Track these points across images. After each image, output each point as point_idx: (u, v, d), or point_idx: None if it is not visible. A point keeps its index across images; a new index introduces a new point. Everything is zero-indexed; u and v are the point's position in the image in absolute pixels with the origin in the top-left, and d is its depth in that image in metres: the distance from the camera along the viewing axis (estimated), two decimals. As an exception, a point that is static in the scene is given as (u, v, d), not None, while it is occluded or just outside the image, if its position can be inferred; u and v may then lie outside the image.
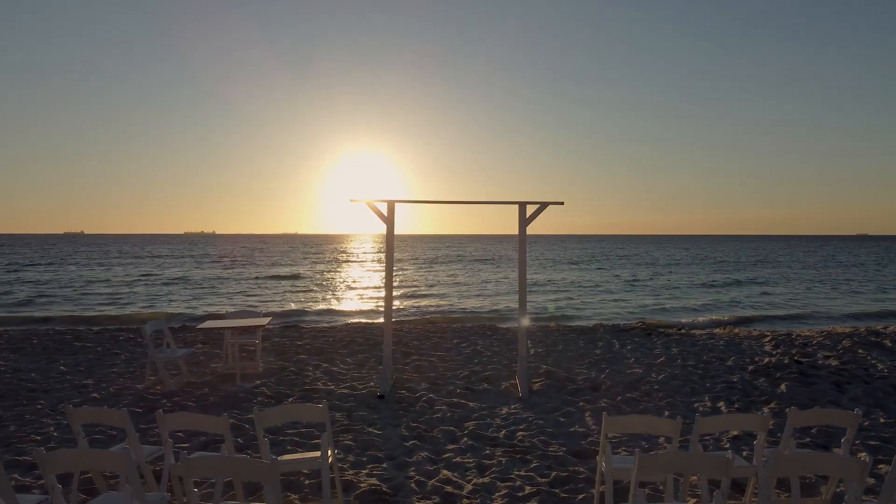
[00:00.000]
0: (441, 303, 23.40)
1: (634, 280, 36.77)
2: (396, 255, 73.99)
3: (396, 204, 8.57)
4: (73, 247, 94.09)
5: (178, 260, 57.45)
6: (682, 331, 14.24)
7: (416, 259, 65.09)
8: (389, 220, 8.51)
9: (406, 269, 46.76)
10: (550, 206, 8.54)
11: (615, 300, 25.02)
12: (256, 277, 36.86)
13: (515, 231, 8.68)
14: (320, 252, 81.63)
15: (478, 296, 26.16)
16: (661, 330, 13.91)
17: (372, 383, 8.61)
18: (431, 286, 31.36)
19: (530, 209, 8.53)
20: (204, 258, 61.26)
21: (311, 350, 10.90)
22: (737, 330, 16.37)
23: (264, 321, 8.83)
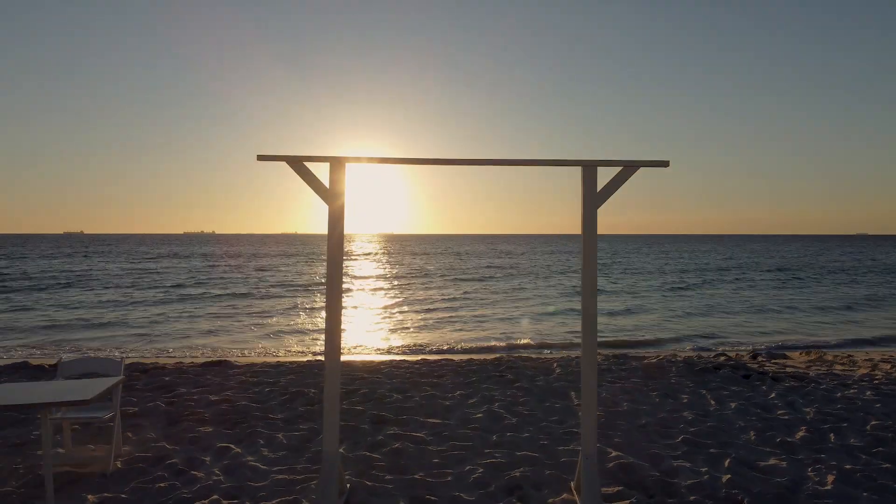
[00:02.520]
0: (441, 326, 18.98)
1: (679, 287, 32.62)
2: (388, 260, 68.77)
3: (349, 164, 4.71)
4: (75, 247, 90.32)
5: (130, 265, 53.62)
6: (791, 369, 10.33)
7: (409, 264, 60.87)
8: (334, 194, 4.65)
9: (394, 279, 42.69)
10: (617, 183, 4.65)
11: (668, 316, 20.94)
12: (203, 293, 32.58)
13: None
14: (308, 254, 77.53)
15: (491, 316, 21.51)
16: (765, 371, 9.86)
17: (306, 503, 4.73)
18: (426, 301, 26.72)
19: (605, 175, 4.65)
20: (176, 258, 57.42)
21: (225, 414, 6.99)
22: (829, 356, 12.59)
23: (105, 384, 4.93)
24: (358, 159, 4.64)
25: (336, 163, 4.64)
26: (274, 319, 19.47)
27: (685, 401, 7.71)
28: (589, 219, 4.61)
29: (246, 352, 13.74)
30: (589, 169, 4.61)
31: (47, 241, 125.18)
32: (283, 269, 47.66)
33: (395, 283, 35.92)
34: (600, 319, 20.11)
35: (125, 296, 26.64)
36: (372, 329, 18.20)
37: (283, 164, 4.66)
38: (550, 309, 22.58)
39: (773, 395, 8.01)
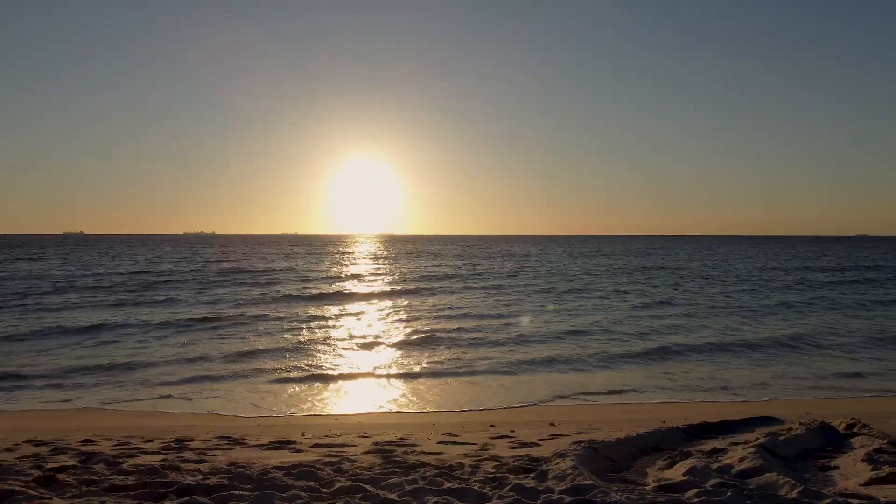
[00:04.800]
0: (450, 372, 12.55)
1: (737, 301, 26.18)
2: (390, 263, 61.67)
3: None
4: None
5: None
6: None
7: (416, 269, 54.91)
8: None
9: (396, 291, 36.73)
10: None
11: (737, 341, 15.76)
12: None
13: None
14: (299, 256, 72.41)
15: (530, 352, 14.44)
16: None
17: None
18: (423, 330, 17.89)
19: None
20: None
21: None
22: None
23: None
24: None
25: None
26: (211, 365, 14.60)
27: None
28: None
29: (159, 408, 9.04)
30: None
31: (43, 242, 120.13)
32: (286, 276, 42.23)
33: (395, 296, 30.68)
34: (740, 370, 12.41)
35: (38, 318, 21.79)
36: (332, 384, 11.74)
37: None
38: (627, 349, 14.78)
39: None
